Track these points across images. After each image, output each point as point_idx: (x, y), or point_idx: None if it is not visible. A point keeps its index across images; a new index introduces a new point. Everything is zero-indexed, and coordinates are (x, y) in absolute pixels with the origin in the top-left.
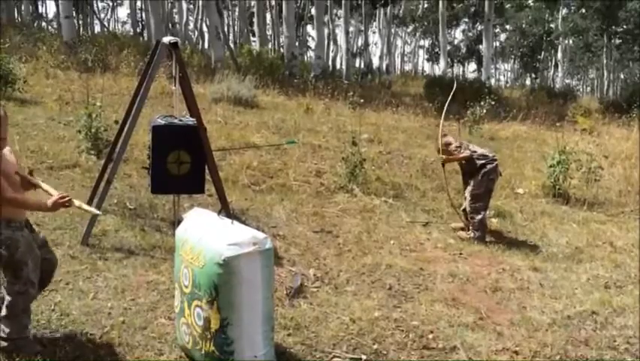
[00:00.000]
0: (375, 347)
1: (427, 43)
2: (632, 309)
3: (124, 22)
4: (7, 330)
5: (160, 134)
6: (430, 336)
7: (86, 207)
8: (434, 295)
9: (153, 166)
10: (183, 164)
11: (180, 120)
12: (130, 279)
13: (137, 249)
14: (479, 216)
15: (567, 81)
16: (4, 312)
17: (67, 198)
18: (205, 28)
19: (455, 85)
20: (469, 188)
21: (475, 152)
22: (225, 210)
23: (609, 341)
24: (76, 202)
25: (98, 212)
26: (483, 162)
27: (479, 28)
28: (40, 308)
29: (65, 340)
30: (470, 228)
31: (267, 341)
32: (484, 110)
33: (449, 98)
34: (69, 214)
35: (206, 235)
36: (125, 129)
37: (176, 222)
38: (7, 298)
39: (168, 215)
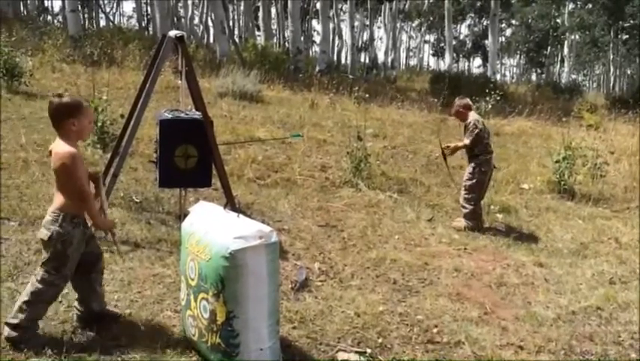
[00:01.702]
0: (379, 340)
1: (432, 38)
2: (637, 305)
3: (129, 17)
4: (21, 316)
5: (167, 128)
6: (435, 330)
7: (116, 244)
8: (439, 289)
9: (160, 160)
10: (190, 158)
11: (187, 114)
12: (136, 272)
13: (143, 242)
14: (470, 207)
15: (573, 77)
16: (26, 297)
17: (114, 230)
18: (210, 23)
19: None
20: (464, 178)
21: (485, 136)
22: (231, 204)
23: (614, 336)
24: (116, 236)
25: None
26: (477, 153)
27: (485, 23)
28: None
29: (73, 332)
30: (463, 218)
31: (272, 334)
32: (490, 106)
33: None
34: None
35: (212, 228)
36: (131, 123)
37: (182, 215)
38: (37, 285)
39: (174, 208)
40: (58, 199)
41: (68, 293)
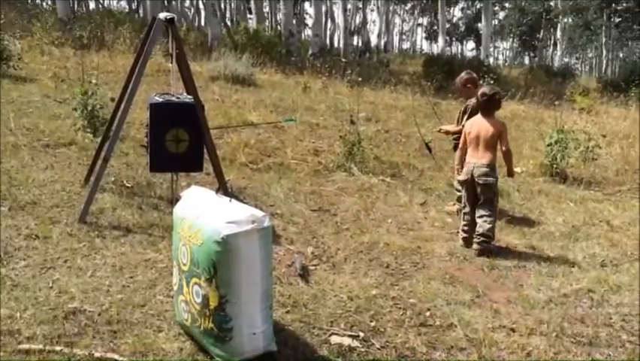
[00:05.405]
0: (372, 324)
1: (425, 21)
2: (628, 287)
3: None
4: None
5: (158, 111)
6: (427, 314)
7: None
8: (431, 273)
9: (151, 144)
10: (181, 142)
11: (178, 98)
12: (128, 257)
13: (135, 227)
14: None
15: (566, 60)
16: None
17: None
18: (201, 6)
19: None
20: (455, 162)
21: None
22: (223, 188)
23: (605, 318)
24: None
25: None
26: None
27: (478, 6)
28: (38, 286)
29: (64, 317)
30: (456, 201)
31: (265, 319)
32: None
33: None
34: (66, 192)
35: (204, 213)
36: (122, 107)
37: (173, 200)
38: (489, 219)
39: (166, 193)
40: (490, 154)
41: (59, 279)
